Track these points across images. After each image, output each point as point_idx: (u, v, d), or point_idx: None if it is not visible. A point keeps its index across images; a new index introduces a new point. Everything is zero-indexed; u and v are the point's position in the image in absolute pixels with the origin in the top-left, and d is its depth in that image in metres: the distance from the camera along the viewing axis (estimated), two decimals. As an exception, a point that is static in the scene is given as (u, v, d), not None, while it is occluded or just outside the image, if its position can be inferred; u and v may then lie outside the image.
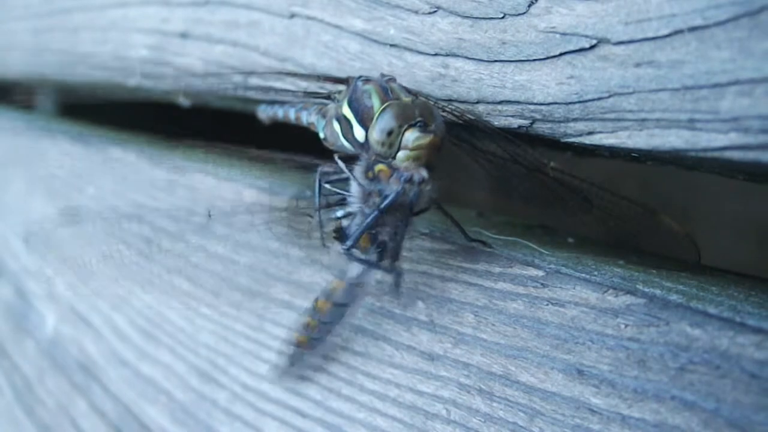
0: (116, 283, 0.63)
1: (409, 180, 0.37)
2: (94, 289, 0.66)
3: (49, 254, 0.75)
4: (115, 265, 0.65)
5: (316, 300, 0.43)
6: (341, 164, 0.40)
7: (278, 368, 0.47)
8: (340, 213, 0.42)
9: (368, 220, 0.39)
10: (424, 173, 0.37)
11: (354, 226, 0.40)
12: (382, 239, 0.40)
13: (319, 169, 0.42)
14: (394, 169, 0.38)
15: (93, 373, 0.63)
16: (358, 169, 0.40)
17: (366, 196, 0.39)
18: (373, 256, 0.41)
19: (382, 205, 0.38)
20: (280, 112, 0.54)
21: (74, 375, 0.66)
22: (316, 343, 0.45)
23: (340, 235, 0.42)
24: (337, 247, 0.42)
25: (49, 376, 0.69)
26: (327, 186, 0.42)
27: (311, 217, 0.42)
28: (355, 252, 0.40)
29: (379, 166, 0.39)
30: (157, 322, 0.59)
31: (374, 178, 0.39)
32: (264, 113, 0.56)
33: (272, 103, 0.55)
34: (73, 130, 0.86)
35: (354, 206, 0.40)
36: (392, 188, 0.38)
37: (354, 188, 0.40)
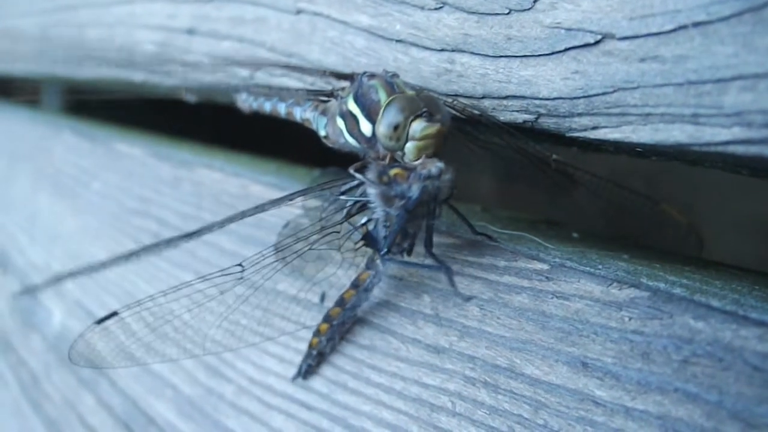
0: (122, 277, 0.64)
1: (429, 176, 0.38)
2: (100, 284, 0.66)
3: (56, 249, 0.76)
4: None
5: (342, 294, 0.44)
6: (358, 175, 0.41)
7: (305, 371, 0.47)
8: (364, 219, 0.42)
9: (397, 222, 0.39)
10: (440, 164, 0.38)
11: (381, 229, 0.41)
12: (412, 232, 0.41)
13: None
14: (409, 170, 0.39)
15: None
16: (371, 175, 0.40)
17: (387, 199, 0.39)
18: (405, 248, 0.42)
19: (409, 206, 0.38)
20: (267, 106, 0.53)
21: (81, 370, 0.66)
22: (334, 329, 0.45)
23: (369, 240, 0.42)
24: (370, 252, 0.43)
25: (55, 371, 0.70)
26: (343, 198, 0.42)
27: (339, 232, 0.43)
28: (395, 255, 0.41)
29: (394, 171, 0.39)
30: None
31: (391, 182, 0.39)
32: (246, 103, 0.56)
33: (257, 94, 0.55)
34: (79, 125, 0.86)
35: (377, 211, 0.40)
36: (414, 188, 0.38)
37: (373, 193, 0.40)
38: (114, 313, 0.42)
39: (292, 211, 0.47)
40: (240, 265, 0.42)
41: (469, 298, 0.41)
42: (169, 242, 0.42)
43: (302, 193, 0.42)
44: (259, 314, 0.45)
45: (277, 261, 0.43)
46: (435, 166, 0.38)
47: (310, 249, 0.43)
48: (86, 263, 0.47)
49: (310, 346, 0.46)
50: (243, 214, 0.41)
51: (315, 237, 0.42)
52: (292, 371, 0.48)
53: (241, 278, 0.42)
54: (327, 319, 0.45)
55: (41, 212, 0.82)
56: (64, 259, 0.74)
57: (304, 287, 0.46)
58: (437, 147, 0.39)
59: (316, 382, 0.47)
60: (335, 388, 0.46)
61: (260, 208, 0.41)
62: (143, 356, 0.44)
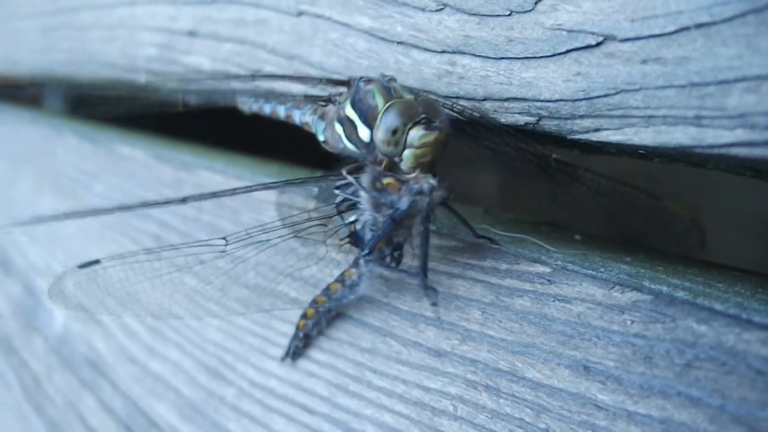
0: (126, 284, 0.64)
1: (420, 191, 0.38)
2: (105, 288, 0.66)
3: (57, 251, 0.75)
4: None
5: (329, 284, 0.45)
6: (349, 178, 0.41)
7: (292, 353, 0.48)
8: (352, 218, 0.43)
9: (382, 228, 0.40)
10: (433, 181, 0.38)
11: (367, 231, 0.41)
12: (397, 241, 0.41)
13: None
14: (402, 182, 0.39)
15: (101, 370, 0.64)
16: (366, 179, 0.40)
17: (376, 205, 0.40)
18: (388, 257, 0.42)
19: (396, 216, 0.39)
20: (267, 108, 0.53)
21: (83, 372, 0.66)
22: (320, 315, 0.46)
23: (354, 240, 0.43)
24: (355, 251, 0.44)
25: (57, 373, 0.70)
26: (336, 192, 0.42)
27: (325, 225, 0.43)
28: (375, 258, 0.41)
29: (387, 180, 0.39)
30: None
31: (383, 190, 0.39)
32: (246, 105, 0.56)
33: (257, 96, 0.55)
34: (80, 127, 0.86)
35: (366, 213, 0.41)
36: (404, 201, 0.38)
37: (364, 196, 0.40)
38: (97, 261, 0.43)
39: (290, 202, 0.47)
40: (224, 239, 0.43)
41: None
42: (161, 204, 0.42)
43: (296, 181, 0.43)
44: (235, 290, 0.46)
45: (260, 242, 0.43)
46: (427, 182, 0.38)
47: (295, 236, 0.43)
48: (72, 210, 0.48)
49: (298, 328, 0.47)
50: (234, 191, 0.42)
51: (302, 225, 0.43)
52: (293, 374, 0.48)
53: (224, 252, 0.43)
54: (313, 304, 0.46)
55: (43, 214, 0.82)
56: (66, 261, 0.74)
57: (283, 272, 0.46)
58: (435, 155, 0.39)
59: (317, 385, 0.47)
60: (336, 391, 0.45)
61: (249, 189, 0.42)
62: (116, 308, 0.45)
